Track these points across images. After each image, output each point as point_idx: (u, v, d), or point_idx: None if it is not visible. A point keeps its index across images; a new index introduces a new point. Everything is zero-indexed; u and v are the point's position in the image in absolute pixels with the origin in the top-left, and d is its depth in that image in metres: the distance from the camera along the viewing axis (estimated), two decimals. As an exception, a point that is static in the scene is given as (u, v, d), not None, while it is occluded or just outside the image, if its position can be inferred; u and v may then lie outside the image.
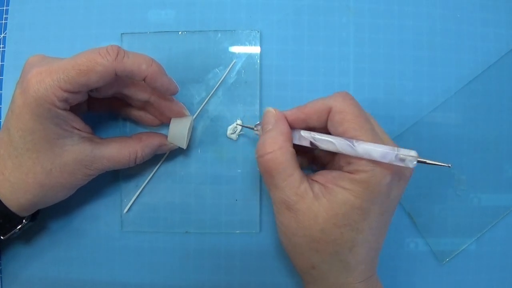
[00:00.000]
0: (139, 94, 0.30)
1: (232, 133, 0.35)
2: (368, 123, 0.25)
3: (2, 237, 0.30)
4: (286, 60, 0.36)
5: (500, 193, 0.35)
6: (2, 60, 0.36)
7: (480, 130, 0.35)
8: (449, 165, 0.24)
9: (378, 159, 0.24)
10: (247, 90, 0.35)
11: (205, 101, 0.35)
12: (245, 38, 0.35)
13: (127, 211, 0.35)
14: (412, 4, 0.36)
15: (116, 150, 0.30)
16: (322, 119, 0.27)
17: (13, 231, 0.30)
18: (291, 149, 0.26)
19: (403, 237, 0.35)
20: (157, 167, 0.35)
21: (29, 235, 0.35)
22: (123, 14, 0.36)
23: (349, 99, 0.26)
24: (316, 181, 0.26)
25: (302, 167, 0.28)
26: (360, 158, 0.24)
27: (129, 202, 0.35)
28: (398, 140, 0.35)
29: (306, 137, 0.27)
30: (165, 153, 0.35)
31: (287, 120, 0.28)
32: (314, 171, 0.32)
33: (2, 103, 0.36)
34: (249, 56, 0.35)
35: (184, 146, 0.32)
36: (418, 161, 0.24)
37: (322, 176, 0.27)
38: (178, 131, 0.32)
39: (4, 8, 0.37)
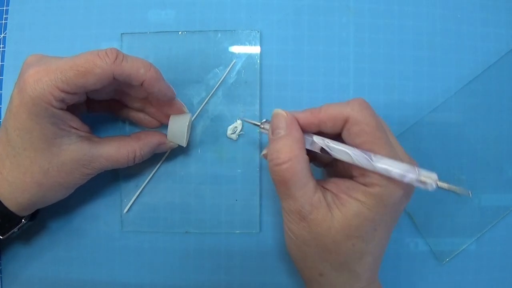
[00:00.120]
0: (137, 91, 0.30)
1: (232, 133, 0.35)
2: (385, 135, 0.25)
3: (1, 237, 0.30)
4: (286, 60, 0.36)
5: (500, 193, 0.35)
6: (2, 60, 0.36)
7: (480, 130, 0.35)
8: (469, 193, 0.23)
9: (397, 178, 0.23)
10: (247, 90, 0.35)
11: (205, 101, 0.35)
12: (245, 38, 0.35)
13: (127, 211, 0.35)
14: (412, 4, 0.36)
15: (114, 149, 0.30)
16: (336, 127, 0.25)
17: (12, 231, 0.30)
18: (306, 157, 0.25)
19: (403, 237, 0.35)
20: (157, 167, 0.35)
21: (29, 235, 0.35)
22: (123, 14, 0.36)
23: (366, 108, 0.25)
24: (328, 189, 0.26)
25: None
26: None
27: (129, 202, 0.35)
28: (399, 140, 0.35)
29: (319, 144, 0.26)
30: (165, 153, 0.35)
31: (298, 124, 0.26)
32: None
33: (2, 103, 0.36)
34: (249, 56, 0.35)
35: (184, 144, 0.32)
36: (437, 185, 0.23)
37: (335, 185, 0.26)
38: (177, 128, 0.32)
39: (4, 8, 0.37)
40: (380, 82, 0.35)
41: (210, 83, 0.35)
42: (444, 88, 0.36)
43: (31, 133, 0.26)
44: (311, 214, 0.25)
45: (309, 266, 0.27)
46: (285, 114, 0.26)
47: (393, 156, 0.24)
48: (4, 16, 0.36)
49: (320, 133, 0.27)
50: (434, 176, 0.23)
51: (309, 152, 0.26)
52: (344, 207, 0.24)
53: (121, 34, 0.35)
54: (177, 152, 0.35)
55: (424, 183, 0.23)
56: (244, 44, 0.35)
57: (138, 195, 0.35)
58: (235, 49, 0.35)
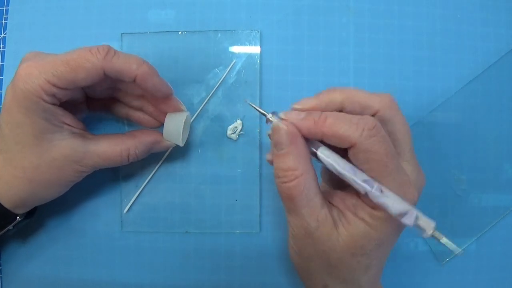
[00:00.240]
0: (133, 88, 0.30)
1: (232, 133, 0.35)
2: (394, 162, 0.23)
3: None
4: (286, 60, 0.36)
5: (500, 193, 0.35)
6: (2, 60, 0.36)
7: (480, 130, 0.35)
8: (461, 252, 0.23)
9: (394, 215, 0.23)
10: (247, 90, 0.35)
11: (205, 101, 0.35)
12: (245, 38, 0.35)
13: (127, 211, 0.35)
14: (412, 4, 0.36)
15: (108, 146, 0.29)
16: (341, 145, 0.24)
17: (6, 228, 0.30)
18: (313, 171, 0.25)
19: (403, 237, 0.35)
20: (157, 167, 0.35)
21: (30, 235, 0.35)
22: (123, 14, 0.36)
23: (375, 134, 0.23)
24: (334, 205, 0.26)
25: None
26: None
27: (129, 202, 0.35)
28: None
29: (324, 162, 0.24)
30: (165, 153, 0.34)
31: (301, 134, 0.24)
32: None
33: (2, 103, 0.36)
34: (249, 56, 0.35)
35: (180, 143, 0.31)
36: (432, 235, 0.23)
37: (340, 201, 0.25)
38: (173, 127, 0.31)
39: (4, 8, 0.37)
40: (380, 82, 0.35)
41: (210, 83, 0.35)
42: (444, 88, 0.36)
43: (22, 128, 0.26)
44: (317, 230, 0.24)
45: (313, 278, 0.27)
46: (286, 128, 0.24)
47: (400, 186, 0.23)
48: (4, 16, 0.36)
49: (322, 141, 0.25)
50: (432, 224, 0.23)
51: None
52: (350, 226, 0.24)
53: (121, 34, 0.35)
54: (177, 152, 0.35)
55: (420, 228, 0.23)
56: (244, 44, 0.35)
57: (138, 195, 0.35)
58: (235, 49, 0.35)
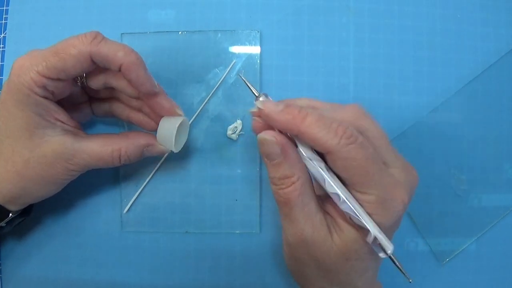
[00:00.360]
0: (128, 88, 0.29)
1: (232, 133, 0.35)
2: (374, 167, 0.23)
3: None
4: (286, 60, 0.36)
5: (500, 193, 0.35)
6: (2, 60, 0.36)
7: (480, 130, 0.35)
8: (410, 280, 0.25)
9: (358, 224, 0.23)
10: (247, 90, 0.35)
11: (205, 101, 0.35)
12: (245, 38, 0.35)
13: (127, 211, 0.35)
14: (412, 4, 0.36)
15: (99, 145, 0.29)
16: (316, 148, 0.24)
17: None
18: (307, 175, 0.25)
19: (403, 237, 0.35)
20: (157, 167, 0.35)
21: (29, 234, 0.35)
22: (123, 14, 0.36)
23: (352, 142, 0.22)
24: (327, 212, 0.26)
25: None
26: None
27: (129, 202, 0.35)
28: (399, 140, 0.35)
29: (313, 170, 0.24)
30: (163, 155, 0.34)
31: (289, 139, 0.24)
32: None
33: None
34: (249, 56, 0.35)
35: (173, 148, 0.30)
36: (389, 256, 0.24)
37: (333, 208, 0.25)
38: (166, 131, 0.29)
39: (4, 8, 0.37)
40: (380, 82, 0.35)
41: (210, 83, 0.35)
42: (444, 88, 0.36)
43: (15, 121, 0.26)
44: (312, 236, 0.24)
45: (309, 282, 0.27)
46: (274, 139, 0.24)
47: (386, 190, 0.23)
48: (4, 16, 0.36)
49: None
50: (391, 247, 0.24)
51: None
52: (343, 233, 0.24)
53: (121, 34, 0.35)
54: (177, 152, 0.35)
55: (376, 247, 0.24)
56: (244, 44, 0.35)
57: (138, 195, 0.35)
58: (235, 49, 0.35)
